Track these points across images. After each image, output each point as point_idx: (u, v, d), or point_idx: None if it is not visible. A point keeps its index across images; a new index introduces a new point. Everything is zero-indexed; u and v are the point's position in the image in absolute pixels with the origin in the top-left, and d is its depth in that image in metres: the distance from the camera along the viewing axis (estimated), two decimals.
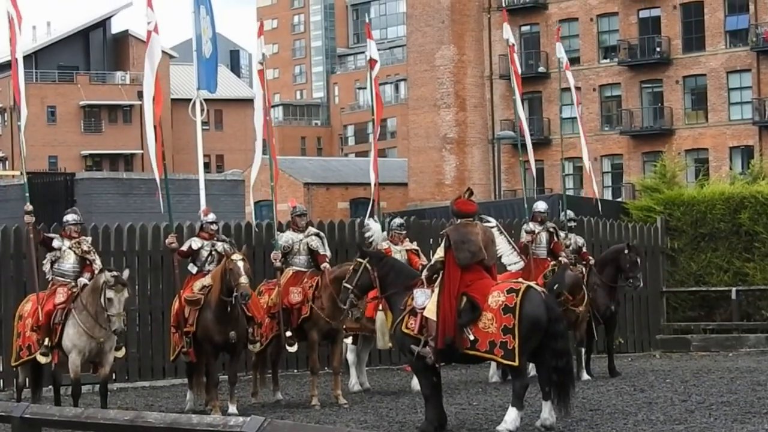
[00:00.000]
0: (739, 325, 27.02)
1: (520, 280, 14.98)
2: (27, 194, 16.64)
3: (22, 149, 16.97)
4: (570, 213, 21.65)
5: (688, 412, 14.86)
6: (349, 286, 14.39)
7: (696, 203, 27.94)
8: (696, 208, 27.81)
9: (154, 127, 17.10)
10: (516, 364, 13.28)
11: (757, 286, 27.03)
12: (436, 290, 13.57)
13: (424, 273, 13.95)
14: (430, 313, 13.47)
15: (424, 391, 13.88)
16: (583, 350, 20.18)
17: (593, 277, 20.67)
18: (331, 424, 14.45)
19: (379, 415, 15.60)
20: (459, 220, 13.94)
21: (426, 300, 13.59)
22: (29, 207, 16.23)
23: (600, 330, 21.12)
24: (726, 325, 27.12)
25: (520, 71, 22.76)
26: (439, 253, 13.77)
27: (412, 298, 13.73)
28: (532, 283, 14.22)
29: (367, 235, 19.62)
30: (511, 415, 13.36)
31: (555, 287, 18.91)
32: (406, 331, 13.76)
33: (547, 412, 13.51)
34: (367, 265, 14.28)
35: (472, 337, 13.35)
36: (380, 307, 16.92)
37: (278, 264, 17.32)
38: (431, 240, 21.86)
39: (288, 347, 17.21)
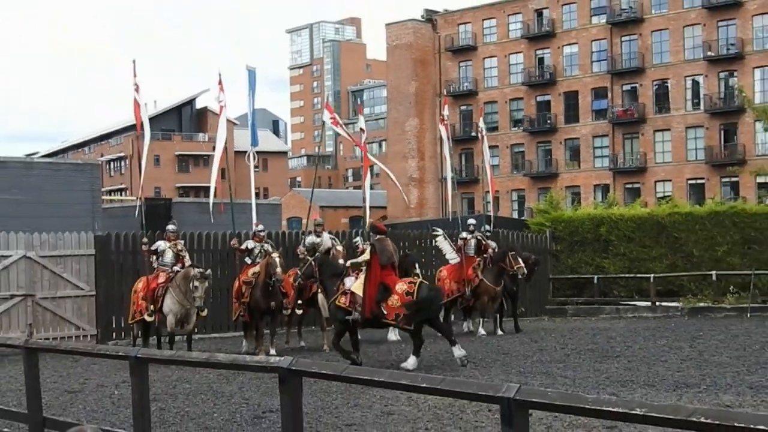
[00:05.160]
0: (598, 299, 27.11)
1: (415, 279, 14.11)
2: (144, 232, 16.58)
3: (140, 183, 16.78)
4: (486, 227, 21.60)
5: (566, 356, 14.90)
6: (299, 272, 15.43)
7: (572, 221, 28.02)
8: (572, 224, 27.90)
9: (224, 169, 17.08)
10: (411, 328, 13.40)
11: (610, 275, 27.13)
12: (361, 277, 13.72)
13: (349, 263, 14.19)
14: (357, 289, 13.63)
15: (335, 339, 13.94)
16: (498, 315, 20.13)
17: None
18: (336, 362, 14.44)
19: (366, 355, 15.60)
20: (377, 236, 13.99)
21: (353, 282, 13.76)
22: (146, 240, 16.31)
23: (508, 302, 21.09)
24: (590, 300, 27.21)
25: (452, 136, 22.65)
26: (366, 255, 13.81)
27: (343, 283, 13.89)
28: (423, 280, 14.23)
29: (354, 240, 19.62)
30: (411, 361, 13.39)
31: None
32: (338, 304, 13.87)
33: (457, 350, 13.52)
34: (312, 261, 14.87)
35: (385, 312, 13.44)
36: (319, 290, 16.43)
37: (302, 256, 17.24)
38: (400, 243, 21.80)
39: (297, 311, 17.42)
